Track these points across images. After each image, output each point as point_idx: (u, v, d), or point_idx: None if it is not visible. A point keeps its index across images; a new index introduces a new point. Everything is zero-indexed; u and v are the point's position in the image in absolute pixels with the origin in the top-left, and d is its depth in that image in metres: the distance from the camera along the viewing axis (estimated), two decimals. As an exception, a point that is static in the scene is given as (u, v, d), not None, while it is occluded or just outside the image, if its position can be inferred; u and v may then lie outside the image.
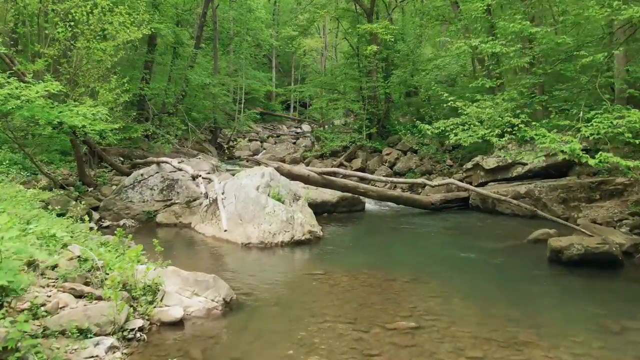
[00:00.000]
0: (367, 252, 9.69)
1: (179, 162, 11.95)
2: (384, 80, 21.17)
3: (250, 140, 35.94)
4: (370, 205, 14.62)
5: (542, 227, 10.95)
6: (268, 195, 10.56)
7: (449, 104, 10.48)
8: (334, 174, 13.23)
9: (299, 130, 41.96)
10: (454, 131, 10.24)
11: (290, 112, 46.30)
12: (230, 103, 31.65)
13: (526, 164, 14.27)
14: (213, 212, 10.81)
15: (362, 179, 14.76)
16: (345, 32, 24.01)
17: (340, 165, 21.74)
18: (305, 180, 12.50)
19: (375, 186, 15.28)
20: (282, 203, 10.50)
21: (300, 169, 12.62)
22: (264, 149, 33.95)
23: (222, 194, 10.71)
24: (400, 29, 23.53)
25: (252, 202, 10.20)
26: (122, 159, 18.71)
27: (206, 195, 11.10)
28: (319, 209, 13.20)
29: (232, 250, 9.65)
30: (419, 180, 14.86)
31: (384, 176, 17.41)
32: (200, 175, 11.01)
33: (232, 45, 38.67)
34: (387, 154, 20.97)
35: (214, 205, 10.95)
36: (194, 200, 12.01)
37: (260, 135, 37.77)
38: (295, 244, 9.88)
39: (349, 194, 13.67)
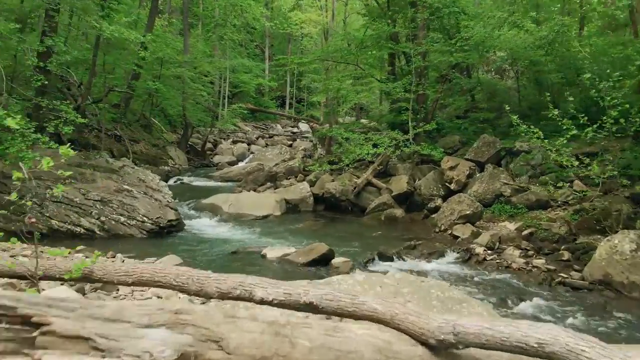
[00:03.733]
0: None
1: None
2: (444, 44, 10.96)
3: (234, 142, 25.63)
4: None
5: None
6: None
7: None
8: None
9: (295, 129, 31.75)
10: None
11: (286, 109, 35.93)
12: (203, 91, 21.22)
13: None
14: None
15: None
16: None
17: (367, 184, 11.51)
18: None
19: None
20: None
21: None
22: (252, 152, 23.70)
23: None
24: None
25: None
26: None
27: None
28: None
29: None
30: None
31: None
32: None
33: (215, 24, 28.33)
34: (451, 168, 10.73)
35: None
36: None
37: (249, 136, 27.44)
38: None
39: None
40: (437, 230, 8.89)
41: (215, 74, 24.96)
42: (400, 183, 10.74)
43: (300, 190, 11.83)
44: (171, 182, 15.76)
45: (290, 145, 25.51)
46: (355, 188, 11.26)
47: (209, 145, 23.51)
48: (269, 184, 12.91)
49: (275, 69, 28.82)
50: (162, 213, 9.02)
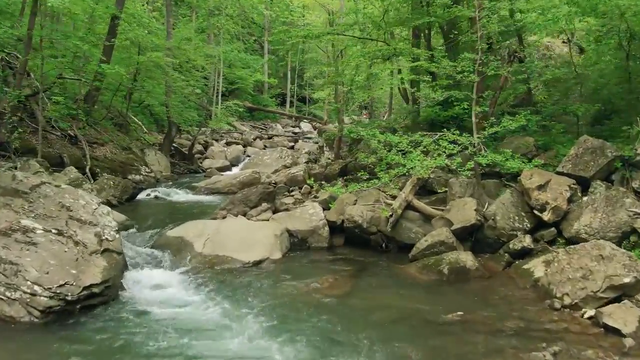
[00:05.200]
0: None
1: None
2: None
3: (228, 144, 21.57)
4: None
5: None
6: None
7: None
8: None
9: (297, 130, 27.73)
10: None
11: (286, 108, 31.92)
12: (195, 86, 17.21)
13: None
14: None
15: None
16: None
17: (408, 207, 7.51)
18: None
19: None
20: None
21: None
22: (248, 156, 19.66)
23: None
24: None
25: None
26: None
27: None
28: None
29: None
30: None
31: None
32: None
33: (209, 11, 24.29)
34: (539, 187, 6.69)
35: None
36: None
37: (245, 137, 23.37)
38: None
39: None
40: (555, 305, 4.84)
41: (208, 68, 20.94)
42: (464, 210, 6.71)
43: (310, 216, 7.82)
44: (142, 195, 11.72)
45: (292, 147, 21.51)
46: (391, 216, 7.22)
47: (198, 147, 19.44)
48: (265, 204, 8.87)
49: (275, 48, 24.58)
50: (77, 273, 4.98)
